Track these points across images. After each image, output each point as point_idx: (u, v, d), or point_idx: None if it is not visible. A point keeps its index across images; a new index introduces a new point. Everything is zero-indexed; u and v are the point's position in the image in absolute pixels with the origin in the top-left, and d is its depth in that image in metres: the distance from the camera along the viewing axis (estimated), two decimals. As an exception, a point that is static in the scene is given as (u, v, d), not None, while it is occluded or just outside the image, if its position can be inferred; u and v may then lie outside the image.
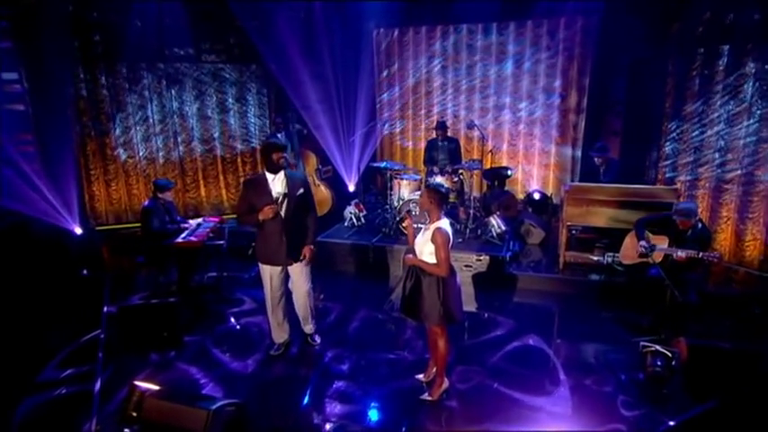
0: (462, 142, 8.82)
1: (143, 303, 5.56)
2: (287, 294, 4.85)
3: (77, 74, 8.26)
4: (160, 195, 6.05)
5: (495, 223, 6.89)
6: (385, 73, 9.93)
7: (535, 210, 8.22)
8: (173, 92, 8.94)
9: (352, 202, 7.86)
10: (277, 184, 4.43)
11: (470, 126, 7.77)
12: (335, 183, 9.33)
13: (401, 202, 7.02)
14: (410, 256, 3.98)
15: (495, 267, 6.45)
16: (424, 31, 9.41)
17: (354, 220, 7.64)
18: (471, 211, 7.22)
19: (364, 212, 7.84)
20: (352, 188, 9.45)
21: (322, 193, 8.63)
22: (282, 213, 4.42)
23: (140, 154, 8.99)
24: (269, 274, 4.62)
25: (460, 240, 6.85)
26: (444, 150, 7.72)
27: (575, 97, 8.68)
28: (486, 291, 6.26)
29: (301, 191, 4.51)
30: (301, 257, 4.62)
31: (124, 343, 5.03)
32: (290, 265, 4.61)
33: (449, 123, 8.58)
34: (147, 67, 8.69)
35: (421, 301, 3.90)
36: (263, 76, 9.38)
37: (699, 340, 4.40)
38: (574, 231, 6.89)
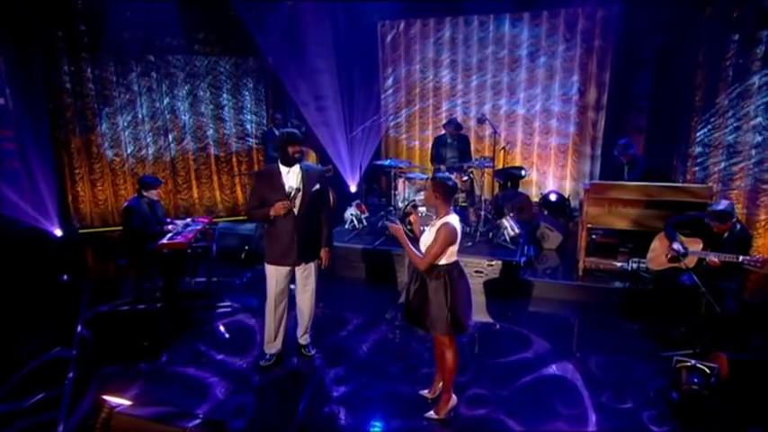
0: (473, 142, 8.62)
1: (122, 310, 5.47)
2: (289, 300, 4.67)
3: (61, 66, 8.09)
4: (145, 194, 5.87)
5: (509, 225, 6.65)
6: (390, 68, 9.77)
7: (551, 212, 8.01)
8: (163, 86, 8.79)
9: (354, 203, 7.66)
10: (291, 177, 4.29)
11: (481, 121, 7.55)
12: (336, 183, 9.15)
13: (406, 203, 6.77)
14: (395, 224, 3.75)
15: (509, 273, 6.21)
16: (432, 24, 9.26)
17: (356, 222, 7.42)
18: (482, 213, 6.99)
19: (366, 214, 7.63)
20: (353, 188, 9.23)
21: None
22: (295, 210, 4.28)
23: (128, 152, 8.84)
24: (275, 275, 4.46)
25: (470, 244, 6.65)
26: (453, 148, 7.54)
27: (594, 93, 8.49)
28: (498, 299, 6.04)
29: (317, 187, 4.38)
30: (318, 261, 4.54)
31: (99, 354, 4.79)
32: (299, 266, 4.47)
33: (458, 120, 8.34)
34: (136, 60, 8.54)
35: (427, 306, 3.66)
36: (259, 70, 9.23)
37: (740, 355, 4.09)
38: (594, 236, 6.63)
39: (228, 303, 6.02)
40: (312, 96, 9.37)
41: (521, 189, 8.46)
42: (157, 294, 5.95)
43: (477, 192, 7.21)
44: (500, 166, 8.37)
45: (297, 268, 4.49)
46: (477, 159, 7.47)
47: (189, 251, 5.83)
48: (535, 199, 8.66)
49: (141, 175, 7.76)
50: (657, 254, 5.13)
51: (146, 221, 5.80)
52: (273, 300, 4.54)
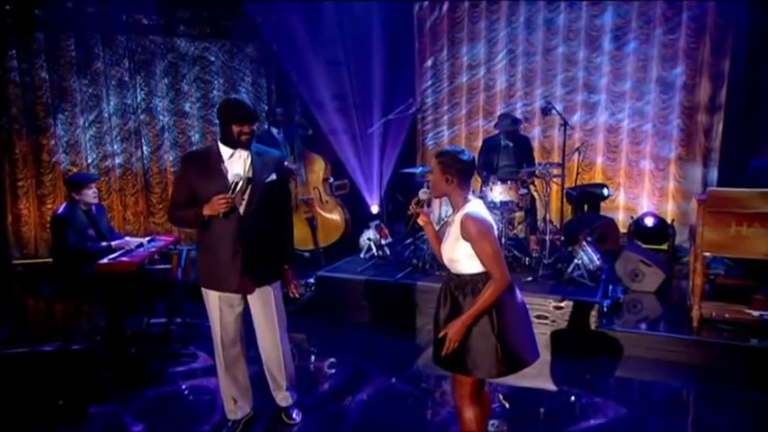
0: (537, 153, 8.20)
1: (38, 352, 4.92)
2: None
3: (6, 49, 7.91)
4: (78, 197, 5.46)
5: (585, 255, 6.14)
6: (430, 61, 9.59)
7: (647, 242, 7.43)
8: (138, 77, 8.63)
9: (372, 225, 7.39)
10: (236, 162, 3.85)
11: (546, 111, 7.12)
12: (353, 202, 8.92)
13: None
14: (454, 326, 3.06)
15: (583, 320, 5.63)
16: (484, 6, 9.07)
17: (374, 248, 7.10)
18: (547, 239, 6.48)
19: (389, 240, 7.35)
20: (375, 209, 8.99)
21: (332, 212, 8.23)
22: (241, 209, 3.81)
23: (89, 161, 8.59)
24: (218, 305, 3.97)
25: (530, 279, 6.18)
26: (509, 153, 7.16)
27: (707, 88, 7.95)
28: (567, 356, 5.46)
29: (273, 177, 3.95)
30: (282, 287, 4.17)
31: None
32: (250, 293, 4.01)
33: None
34: (104, 43, 8.39)
35: (465, 339, 3.09)
36: (261, 61, 9.13)
37: None
38: (712, 276, 5.96)
39: (192, 351, 5.67)
40: (327, 94, 9.18)
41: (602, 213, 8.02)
42: (97, 338, 5.59)
43: (541, 211, 6.73)
44: (570, 185, 7.98)
45: (249, 297, 4.02)
46: (540, 164, 7.07)
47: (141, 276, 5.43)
48: (623, 229, 8.10)
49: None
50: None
51: (82, 235, 5.42)
52: (220, 343, 4.02)
